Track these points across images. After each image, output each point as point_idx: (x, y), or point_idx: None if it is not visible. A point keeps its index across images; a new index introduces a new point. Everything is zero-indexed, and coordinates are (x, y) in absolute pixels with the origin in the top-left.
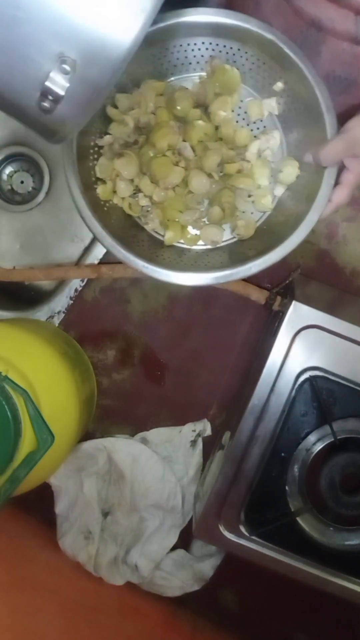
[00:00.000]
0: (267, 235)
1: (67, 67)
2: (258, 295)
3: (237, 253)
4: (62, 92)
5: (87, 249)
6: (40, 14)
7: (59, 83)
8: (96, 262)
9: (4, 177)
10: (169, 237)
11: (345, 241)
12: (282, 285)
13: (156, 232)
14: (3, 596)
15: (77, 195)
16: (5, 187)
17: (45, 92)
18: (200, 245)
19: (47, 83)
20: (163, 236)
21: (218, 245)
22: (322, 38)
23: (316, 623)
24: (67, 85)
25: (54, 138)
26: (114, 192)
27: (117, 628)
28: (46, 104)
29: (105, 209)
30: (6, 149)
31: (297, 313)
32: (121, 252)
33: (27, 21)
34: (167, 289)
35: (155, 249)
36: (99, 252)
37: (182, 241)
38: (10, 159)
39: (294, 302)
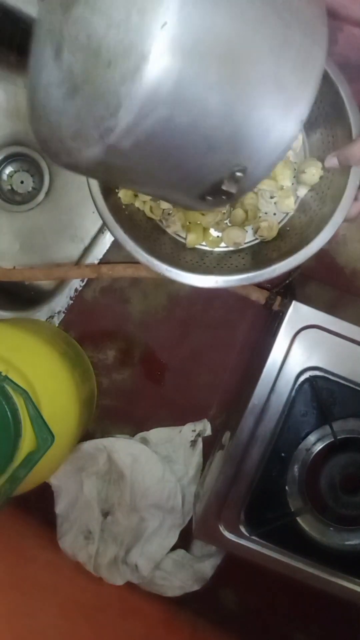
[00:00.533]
0: (291, 236)
1: (240, 175)
2: (258, 295)
3: (260, 255)
4: (234, 192)
5: (87, 249)
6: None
7: (232, 188)
8: (96, 262)
9: (4, 177)
10: (190, 239)
11: (345, 241)
12: (282, 285)
13: (178, 235)
14: (3, 596)
15: (99, 200)
16: (5, 187)
17: (218, 191)
18: (222, 248)
19: (224, 187)
20: (185, 239)
21: (240, 247)
22: (339, 25)
23: (316, 623)
24: (236, 191)
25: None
26: (135, 195)
27: (117, 628)
28: (217, 201)
29: (127, 213)
30: (6, 149)
31: (297, 313)
32: (144, 256)
33: (218, 149)
34: (167, 289)
35: (177, 252)
36: (99, 252)
37: (204, 243)
38: (10, 159)
39: (294, 302)
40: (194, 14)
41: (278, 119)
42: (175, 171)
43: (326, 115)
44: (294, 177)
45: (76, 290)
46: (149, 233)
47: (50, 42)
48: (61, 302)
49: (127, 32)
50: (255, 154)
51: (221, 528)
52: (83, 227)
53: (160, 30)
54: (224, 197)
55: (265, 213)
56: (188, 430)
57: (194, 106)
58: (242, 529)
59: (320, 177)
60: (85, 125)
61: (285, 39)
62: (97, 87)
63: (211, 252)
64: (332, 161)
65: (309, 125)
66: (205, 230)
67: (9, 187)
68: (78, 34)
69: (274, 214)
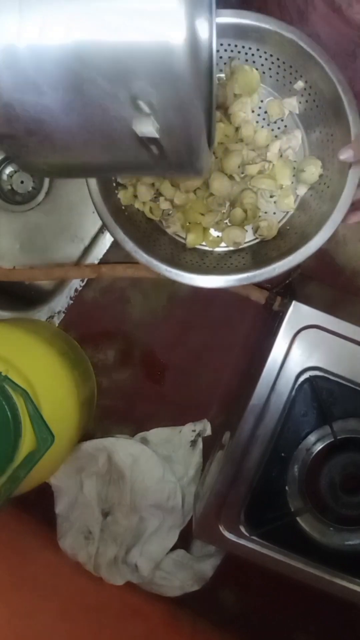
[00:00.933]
0: (291, 235)
1: (144, 107)
2: (258, 295)
3: (260, 254)
4: (156, 135)
5: (87, 249)
6: (102, 71)
7: (147, 128)
8: (96, 262)
9: (4, 177)
10: (190, 240)
11: (345, 241)
12: (282, 285)
13: (178, 236)
14: (3, 596)
15: (99, 201)
16: (5, 187)
17: (144, 143)
18: (222, 247)
19: (138, 133)
20: (184, 239)
21: (240, 247)
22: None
23: (316, 623)
24: (157, 125)
25: (199, 173)
26: (135, 196)
27: (117, 628)
28: (155, 152)
29: (127, 214)
30: None
31: (297, 313)
32: (143, 257)
33: (97, 87)
34: (167, 289)
35: (177, 252)
36: (99, 252)
37: (204, 243)
38: (10, 159)
39: (294, 302)
40: None
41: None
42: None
43: (325, 114)
44: (294, 176)
45: (76, 290)
46: (149, 234)
47: None
48: (61, 302)
49: None
50: (142, 72)
51: (221, 528)
52: (83, 227)
53: None
54: (153, 147)
55: (265, 212)
56: (188, 430)
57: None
58: (242, 529)
59: (320, 176)
60: None
61: None
62: None
63: (211, 252)
64: (347, 153)
65: (308, 124)
66: (205, 230)
67: (9, 187)
68: None
69: (274, 213)
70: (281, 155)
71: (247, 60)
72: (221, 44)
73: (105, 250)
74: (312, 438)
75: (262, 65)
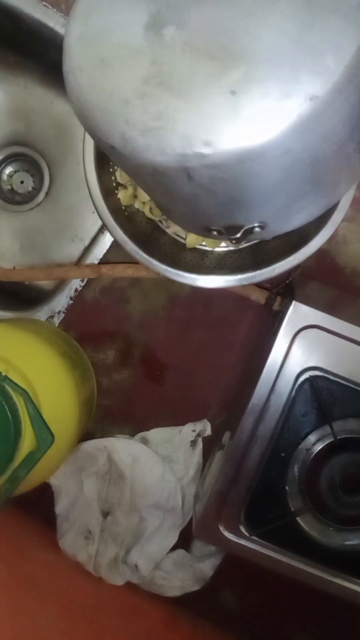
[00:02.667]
0: (291, 235)
1: (258, 230)
2: (258, 295)
3: (260, 254)
4: (240, 240)
5: (87, 249)
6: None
7: (242, 237)
8: (96, 262)
9: (4, 177)
10: (190, 239)
11: (345, 241)
12: (282, 285)
13: (178, 235)
14: (3, 596)
15: (99, 201)
16: (5, 187)
17: (229, 232)
18: (222, 247)
19: (238, 234)
20: (185, 239)
21: (240, 247)
22: None
23: (316, 623)
24: (246, 238)
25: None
26: (135, 196)
27: (117, 628)
28: (215, 234)
29: (127, 214)
30: (6, 149)
31: (297, 313)
32: (143, 257)
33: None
34: (167, 289)
35: (177, 252)
36: (99, 252)
37: (204, 243)
38: (10, 159)
39: (294, 302)
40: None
41: (312, 207)
42: (201, 209)
43: None
44: None
45: (76, 290)
46: (149, 233)
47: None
48: (61, 302)
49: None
50: (281, 222)
51: (221, 528)
52: (83, 227)
53: (303, 103)
54: (232, 238)
55: None
56: (188, 430)
57: (262, 179)
58: (242, 529)
59: None
60: (166, 129)
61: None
62: (197, 103)
63: (211, 252)
64: None
65: None
66: None
67: (9, 187)
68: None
69: None
70: None
71: None
72: None
73: (105, 250)
74: (312, 438)
75: None
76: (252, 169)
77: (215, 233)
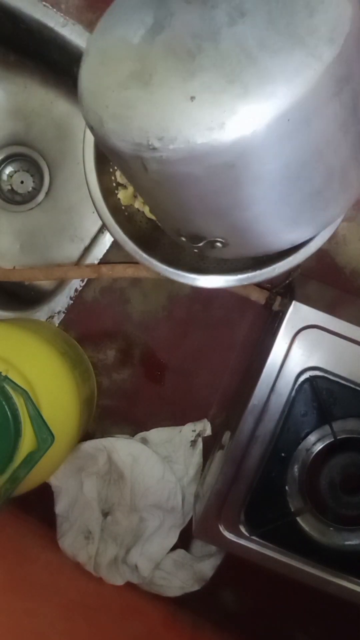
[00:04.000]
0: None
1: (219, 245)
2: (258, 295)
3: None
4: (204, 252)
5: (87, 249)
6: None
7: (204, 250)
8: (96, 262)
9: (4, 177)
10: None
11: (345, 241)
12: (282, 285)
13: None
14: (3, 596)
15: (99, 201)
16: (5, 187)
17: (192, 240)
18: None
19: (199, 243)
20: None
21: None
22: None
23: (316, 623)
24: (208, 253)
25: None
26: (135, 196)
27: (117, 628)
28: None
29: (127, 214)
30: (6, 149)
31: (297, 313)
32: (143, 257)
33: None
34: (167, 289)
35: (177, 252)
36: (99, 252)
37: None
38: (10, 159)
39: (294, 302)
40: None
41: (285, 233)
42: (163, 208)
43: None
44: None
45: (76, 290)
46: (149, 233)
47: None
48: (61, 302)
49: (245, 85)
50: (244, 243)
51: (221, 528)
52: (83, 227)
53: (247, 124)
54: (195, 249)
55: None
56: (188, 430)
57: (203, 187)
58: (242, 529)
59: None
60: (133, 121)
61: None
62: (162, 100)
63: (178, 238)
64: None
65: None
66: None
67: (9, 187)
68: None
69: None
70: None
71: None
72: None
73: (105, 250)
74: (312, 438)
75: None
76: (193, 173)
77: (183, 239)
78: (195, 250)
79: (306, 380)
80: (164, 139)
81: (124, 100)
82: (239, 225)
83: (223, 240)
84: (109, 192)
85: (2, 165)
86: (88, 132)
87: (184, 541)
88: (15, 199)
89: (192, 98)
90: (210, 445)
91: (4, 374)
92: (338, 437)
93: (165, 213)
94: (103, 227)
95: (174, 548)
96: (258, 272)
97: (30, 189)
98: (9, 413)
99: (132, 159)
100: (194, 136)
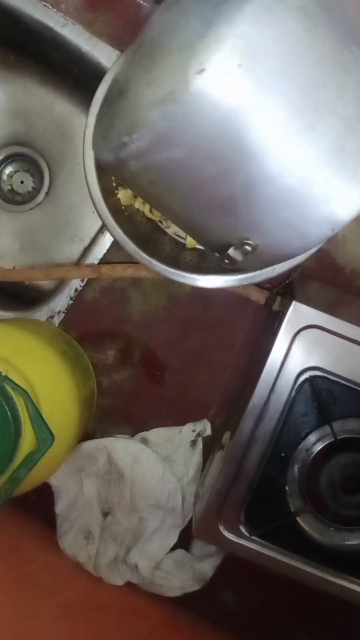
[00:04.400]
0: None
1: (248, 249)
2: (258, 295)
3: None
4: (235, 263)
5: (87, 249)
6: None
7: (235, 257)
8: (96, 262)
9: (4, 177)
10: (191, 240)
11: (345, 241)
12: (282, 285)
13: (178, 236)
14: (3, 596)
15: (99, 201)
16: (5, 187)
17: (223, 258)
18: None
19: (229, 252)
20: (185, 239)
21: None
22: None
23: (316, 623)
24: (240, 259)
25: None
26: (135, 196)
27: (117, 628)
28: (226, 261)
29: (127, 214)
30: (6, 149)
31: (297, 313)
32: (143, 257)
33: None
34: (167, 289)
35: (177, 252)
36: (99, 252)
37: None
38: (10, 159)
39: (294, 302)
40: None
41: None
42: (184, 210)
43: None
44: None
45: (76, 290)
46: (149, 233)
47: None
48: (61, 302)
49: (177, 63)
50: (274, 240)
51: (221, 528)
52: (83, 227)
53: (197, 75)
54: (226, 261)
55: None
56: (188, 430)
57: (215, 165)
58: (242, 529)
59: None
60: (113, 130)
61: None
62: (131, 99)
63: (211, 252)
64: None
65: None
66: None
67: (9, 187)
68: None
69: None
70: None
71: None
72: None
73: (105, 250)
74: (312, 438)
75: None
76: (175, 157)
77: (217, 255)
78: (226, 261)
79: (306, 380)
80: (130, 132)
81: (109, 120)
82: (257, 213)
83: (251, 242)
84: (109, 192)
85: (2, 165)
86: (88, 132)
87: (184, 541)
88: (15, 199)
89: (150, 83)
90: (210, 445)
91: (4, 374)
92: (338, 437)
93: (183, 222)
94: (103, 227)
95: (174, 548)
96: (258, 272)
97: (30, 189)
98: (9, 413)
99: (119, 166)
100: (149, 114)
